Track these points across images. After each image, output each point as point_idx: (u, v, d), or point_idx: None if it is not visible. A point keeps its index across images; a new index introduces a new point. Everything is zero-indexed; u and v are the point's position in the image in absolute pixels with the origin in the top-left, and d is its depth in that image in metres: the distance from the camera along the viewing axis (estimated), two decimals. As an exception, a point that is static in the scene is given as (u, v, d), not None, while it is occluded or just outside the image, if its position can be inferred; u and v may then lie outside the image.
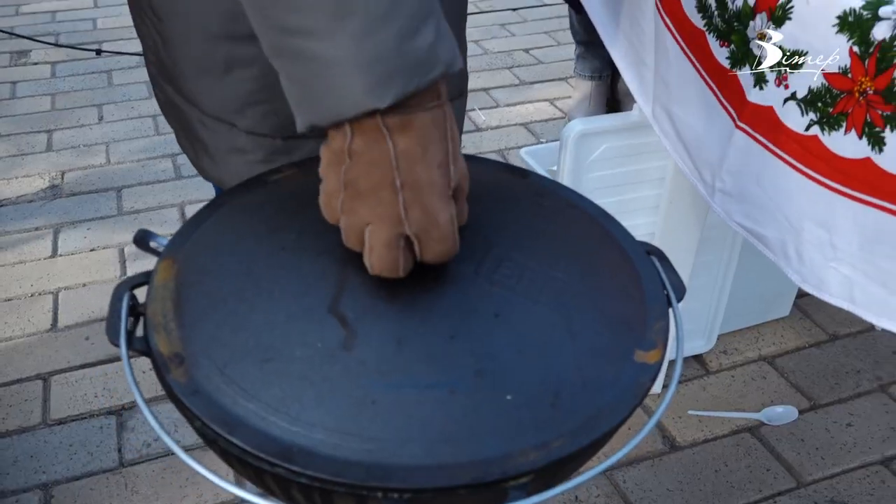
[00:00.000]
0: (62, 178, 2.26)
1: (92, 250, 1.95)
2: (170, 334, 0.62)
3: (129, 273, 1.85)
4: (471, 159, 0.78)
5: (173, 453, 1.32)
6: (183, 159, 2.35)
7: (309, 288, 0.65)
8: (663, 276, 0.73)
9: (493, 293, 0.65)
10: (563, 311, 0.65)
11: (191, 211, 2.09)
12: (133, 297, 0.67)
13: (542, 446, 0.54)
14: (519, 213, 0.77)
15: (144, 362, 0.63)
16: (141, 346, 0.64)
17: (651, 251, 0.76)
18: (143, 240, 0.72)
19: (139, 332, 0.66)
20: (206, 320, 0.63)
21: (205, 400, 0.58)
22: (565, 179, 1.30)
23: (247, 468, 0.57)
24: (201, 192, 2.18)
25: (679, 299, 0.71)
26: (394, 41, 0.53)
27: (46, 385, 1.54)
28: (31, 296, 1.79)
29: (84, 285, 1.82)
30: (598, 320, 0.65)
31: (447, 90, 0.57)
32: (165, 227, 2.02)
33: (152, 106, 2.66)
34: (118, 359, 1.61)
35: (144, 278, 0.70)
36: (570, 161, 1.29)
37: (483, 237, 0.70)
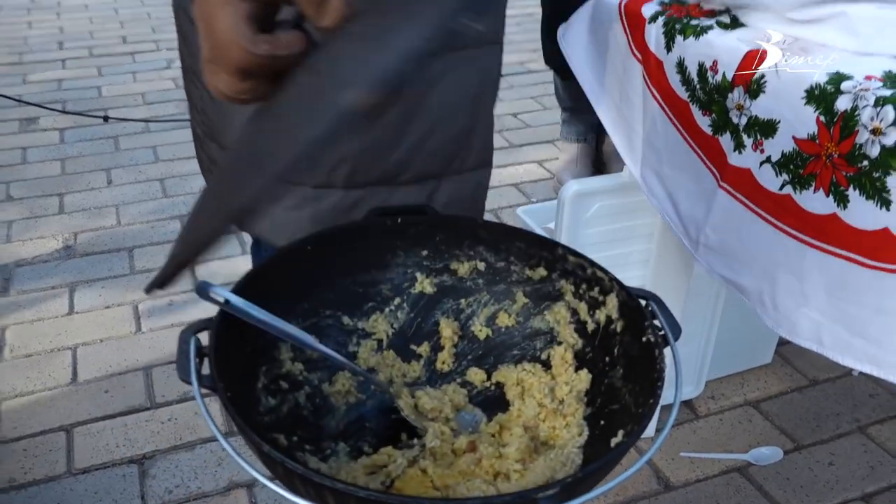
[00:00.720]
0: (75, 239, 2.33)
1: (107, 307, 2.01)
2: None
3: (144, 329, 1.92)
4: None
5: (195, 498, 1.39)
6: (191, 220, 2.43)
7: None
8: (661, 318, 0.81)
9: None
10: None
11: (200, 270, 2.16)
12: (198, 340, 0.76)
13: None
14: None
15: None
16: (209, 383, 0.72)
17: (647, 296, 0.85)
18: (202, 290, 0.80)
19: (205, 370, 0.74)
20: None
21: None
22: (563, 236, 1.40)
23: (306, 485, 0.64)
24: (212, 252, 2.25)
25: (676, 339, 0.80)
26: None
27: (69, 436, 1.60)
28: (51, 351, 1.85)
29: (101, 341, 1.89)
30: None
31: None
32: (176, 286, 2.08)
33: (159, 170, 2.75)
34: (137, 410, 1.67)
35: (206, 324, 0.79)
36: (568, 219, 1.39)
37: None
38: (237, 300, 0.75)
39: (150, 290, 0.60)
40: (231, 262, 2.20)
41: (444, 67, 1.02)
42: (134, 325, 1.94)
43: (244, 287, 0.81)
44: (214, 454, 1.55)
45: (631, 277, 1.53)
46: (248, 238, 2.35)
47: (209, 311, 2.11)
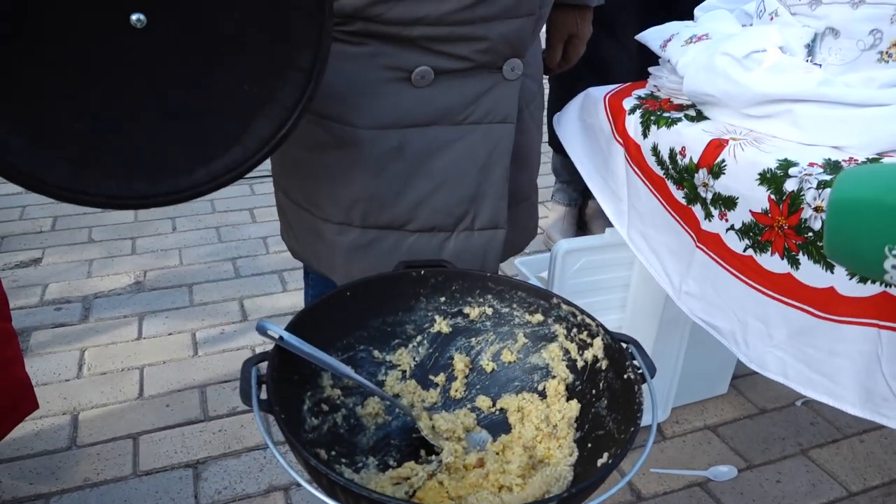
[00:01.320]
0: (144, 276, 2.35)
1: (170, 334, 2.01)
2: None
3: (200, 353, 1.92)
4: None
5: (240, 498, 1.38)
6: (242, 262, 2.44)
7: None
8: (639, 359, 0.82)
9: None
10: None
11: (248, 304, 2.17)
12: (258, 370, 0.77)
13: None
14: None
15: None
16: (266, 407, 0.74)
17: (627, 340, 0.86)
18: (261, 328, 0.81)
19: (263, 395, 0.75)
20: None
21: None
22: (555, 285, 1.41)
23: (346, 494, 0.65)
24: (256, 289, 2.26)
25: (652, 376, 0.81)
26: None
27: (136, 443, 1.59)
28: (122, 370, 1.85)
29: (164, 363, 1.89)
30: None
31: None
32: (228, 317, 2.09)
33: (215, 219, 2.78)
34: (193, 422, 1.67)
35: (262, 357, 0.80)
36: (559, 271, 1.40)
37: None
38: (290, 337, 0.77)
39: None
40: (273, 298, 2.21)
41: (453, 136, 1.02)
42: (192, 350, 1.94)
43: (295, 326, 0.82)
44: (257, 461, 1.54)
45: (610, 320, 1.54)
46: (287, 277, 2.36)
47: (255, 338, 2.16)
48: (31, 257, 2.47)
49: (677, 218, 1.10)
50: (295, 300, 2.19)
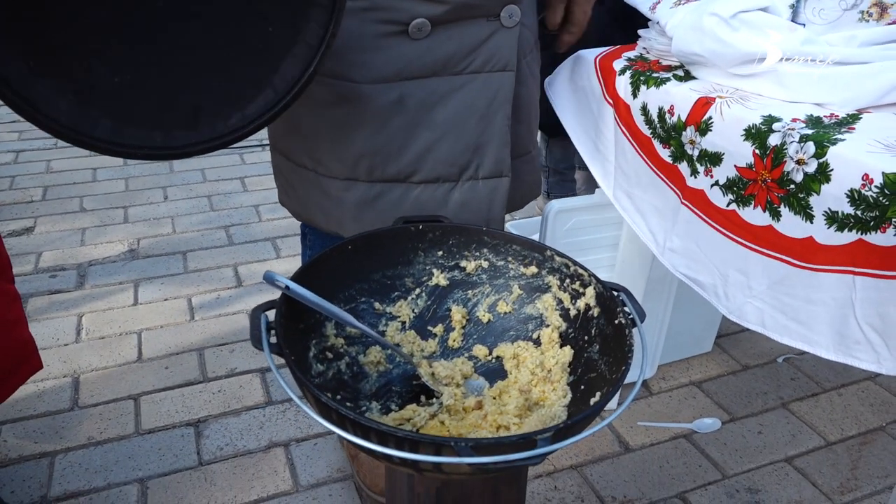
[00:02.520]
0: (138, 244, 2.36)
1: (166, 300, 2.03)
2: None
3: (197, 318, 1.94)
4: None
5: (241, 454, 1.42)
6: (234, 229, 2.46)
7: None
8: (630, 305, 0.86)
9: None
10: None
11: (242, 270, 2.19)
12: (266, 317, 0.80)
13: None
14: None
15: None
16: (276, 350, 0.77)
17: (618, 288, 0.90)
18: (269, 278, 0.84)
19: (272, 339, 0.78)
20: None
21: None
22: (546, 244, 1.44)
23: (356, 427, 0.68)
24: (250, 256, 2.28)
25: (642, 321, 0.85)
26: None
27: (137, 403, 1.62)
28: (120, 335, 1.87)
29: (161, 327, 1.91)
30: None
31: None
32: (223, 283, 2.11)
33: (206, 188, 2.78)
34: (193, 383, 1.70)
35: (269, 305, 0.83)
36: (550, 231, 1.43)
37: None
38: (296, 286, 0.80)
39: None
40: (267, 264, 2.23)
41: (450, 87, 1.03)
42: (188, 315, 1.96)
43: (300, 276, 0.85)
44: (257, 419, 1.58)
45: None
46: (280, 244, 2.38)
47: (251, 303, 2.20)
48: (23, 226, 2.47)
49: (662, 176, 1.13)
50: (289, 266, 2.21)
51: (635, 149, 1.17)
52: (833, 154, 0.86)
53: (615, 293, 0.88)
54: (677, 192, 1.10)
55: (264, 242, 2.37)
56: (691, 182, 1.07)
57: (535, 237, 1.60)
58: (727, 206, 1.01)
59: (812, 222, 0.89)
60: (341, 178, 1.05)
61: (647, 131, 1.14)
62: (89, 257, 2.25)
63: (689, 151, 1.06)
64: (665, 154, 1.11)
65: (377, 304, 0.97)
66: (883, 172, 0.79)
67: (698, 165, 1.05)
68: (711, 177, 1.03)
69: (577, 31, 1.19)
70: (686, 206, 1.08)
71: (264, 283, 2.02)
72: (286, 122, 1.07)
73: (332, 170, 1.05)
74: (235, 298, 2.01)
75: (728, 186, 1.00)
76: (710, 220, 1.04)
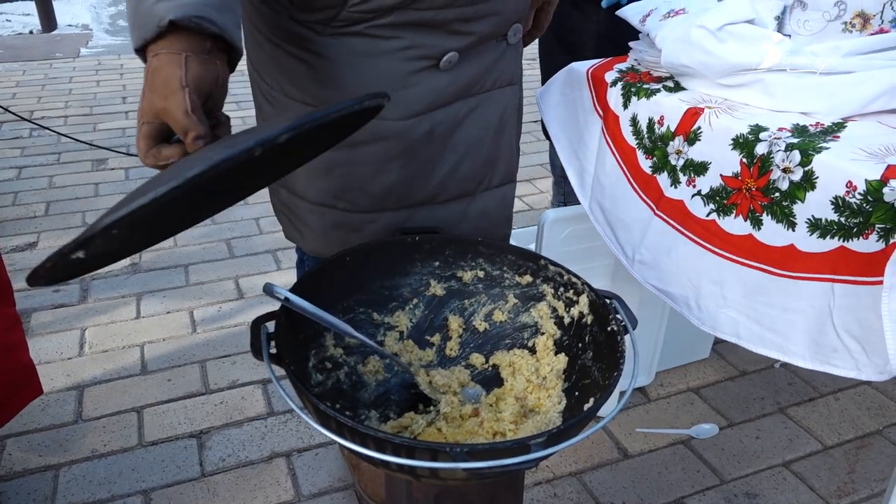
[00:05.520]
0: (140, 257, 2.37)
1: (168, 313, 2.05)
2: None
3: (199, 330, 1.96)
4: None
5: (244, 465, 1.43)
6: (236, 242, 2.48)
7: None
8: (622, 313, 0.88)
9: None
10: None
11: (243, 283, 2.21)
12: (266, 328, 0.82)
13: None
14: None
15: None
16: (276, 360, 0.78)
17: (611, 296, 0.92)
18: (268, 290, 0.86)
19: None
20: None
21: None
22: (542, 253, 1.46)
23: (353, 434, 0.70)
24: (251, 268, 2.30)
25: (633, 328, 0.87)
26: (130, 11, 0.72)
27: (140, 416, 1.63)
28: (123, 348, 1.89)
29: (164, 340, 1.93)
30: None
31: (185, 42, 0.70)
32: (224, 296, 2.13)
33: (208, 201, 2.80)
34: (195, 395, 1.71)
35: (269, 317, 0.85)
36: (546, 240, 1.45)
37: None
38: (295, 298, 0.82)
39: (40, 276, 0.62)
40: (268, 276, 2.25)
41: (467, 109, 1.05)
42: (190, 328, 1.98)
43: (299, 288, 0.87)
44: (259, 430, 1.59)
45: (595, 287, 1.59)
46: (281, 256, 2.40)
47: (253, 315, 2.22)
48: (26, 241, 2.49)
49: (638, 189, 1.15)
50: (289, 278, 2.23)
51: (617, 160, 1.19)
52: (818, 162, 0.88)
53: (608, 301, 0.89)
54: (651, 204, 1.12)
55: (265, 255, 2.39)
56: (669, 193, 1.09)
57: (532, 246, 1.62)
58: (707, 216, 1.03)
59: (794, 230, 0.90)
60: (369, 211, 1.06)
61: (633, 142, 1.16)
62: (93, 272, 2.27)
63: (673, 162, 1.08)
64: (646, 165, 1.13)
65: (375, 315, 0.99)
66: (866, 180, 0.81)
67: (681, 175, 1.07)
68: (694, 186, 1.05)
69: (538, 33, 1.25)
70: (660, 217, 1.10)
71: (265, 296, 2.04)
72: (316, 166, 1.05)
73: (359, 205, 1.05)
74: (237, 311, 2.02)
75: (710, 196, 1.02)
76: (686, 231, 1.06)
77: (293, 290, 0.85)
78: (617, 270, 1.53)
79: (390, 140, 1.01)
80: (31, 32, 6.11)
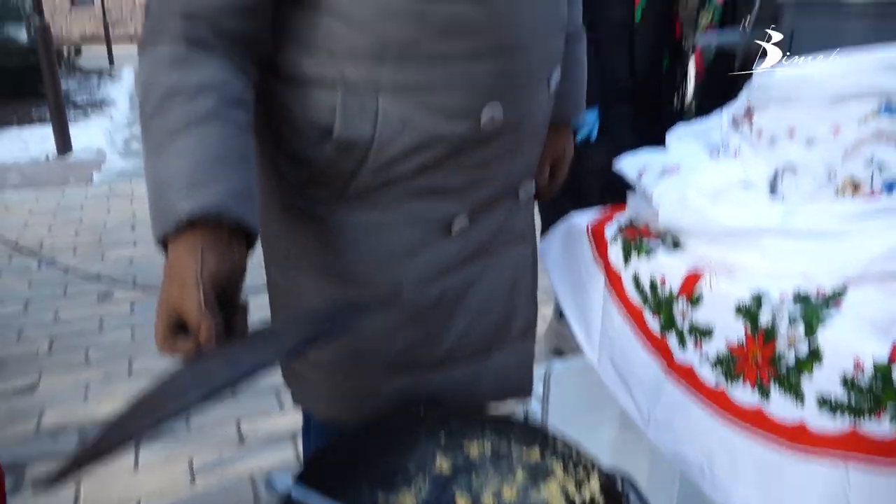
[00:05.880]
0: (141, 398, 2.34)
1: (167, 462, 2.00)
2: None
3: (198, 482, 1.90)
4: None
5: None
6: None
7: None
8: (633, 494, 0.85)
9: None
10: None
11: (245, 427, 2.16)
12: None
13: None
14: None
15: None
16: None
17: (621, 476, 0.89)
18: (270, 485, 0.83)
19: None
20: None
21: None
22: (549, 403, 1.43)
23: None
24: (253, 409, 2.26)
25: (647, 512, 0.83)
26: (151, 202, 0.76)
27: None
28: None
29: (161, 493, 1.87)
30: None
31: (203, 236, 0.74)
32: (225, 442, 2.08)
33: (211, 336, 2.80)
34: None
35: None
36: (553, 390, 1.43)
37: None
38: (298, 493, 0.80)
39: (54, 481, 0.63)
40: (271, 419, 2.21)
41: (481, 269, 1.05)
42: (189, 476, 1.93)
43: (304, 476, 0.85)
44: None
45: (607, 438, 1.52)
46: (284, 395, 2.37)
47: (253, 464, 2.16)
48: (27, 383, 2.47)
49: (649, 348, 1.14)
50: (292, 420, 2.18)
51: (624, 317, 1.19)
52: (824, 338, 0.87)
53: (620, 481, 0.87)
54: (663, 364, 1.11)
55: (268, 394, 2.35)
56: (679, 355, 1.07)
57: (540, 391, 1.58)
58: (715, 385, 1.01)
59: (803, 405, 0.89)
60: (380, 377, 1.05)
61: (638, 301, 1.16)
62: (91, 417, 2.23)
63: (679, 324, 1.08)
64: (655, 325, 1.13)
65: (380, 494, 0.96)
66: (874, 364, 0.80)
67: (688, 338, 1.06)
68: (701, 350, 1.04)
69: (556, 187, 1.28)
70: (672, 379, 1.09)
71: (266, 441, 2.00)
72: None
73: (369, 372, 1.04)
74: (237, 459, 1.98)
75: (718, 362, 1.01)
76: (697, 399, 1.04)
77: (298, 478, 0.83)
78: (624, 422, 1.49)
79: (399, 306, 1.01)
80: (46, 157, 6.33)
